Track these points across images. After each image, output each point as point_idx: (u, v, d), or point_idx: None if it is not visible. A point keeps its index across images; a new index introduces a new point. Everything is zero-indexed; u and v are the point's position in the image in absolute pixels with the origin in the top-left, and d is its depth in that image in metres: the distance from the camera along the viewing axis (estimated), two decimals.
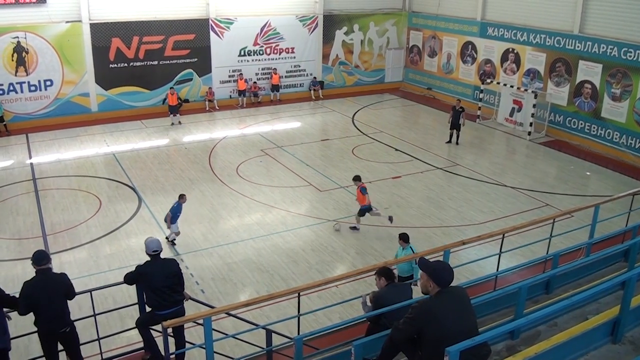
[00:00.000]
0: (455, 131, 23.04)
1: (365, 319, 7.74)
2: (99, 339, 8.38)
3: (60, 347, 7.80)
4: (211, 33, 27.98)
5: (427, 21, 31.67)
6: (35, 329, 7.63)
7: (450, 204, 17.44)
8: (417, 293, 7.55)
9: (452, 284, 5.28)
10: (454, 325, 5.02)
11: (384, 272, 7.58)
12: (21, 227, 15.78)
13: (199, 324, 8.25)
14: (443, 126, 24.53)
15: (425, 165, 20.71)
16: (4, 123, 24.46)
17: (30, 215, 16.47)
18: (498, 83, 26.50)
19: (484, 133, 25.24)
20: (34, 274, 7.51)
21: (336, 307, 11.21)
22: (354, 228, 15.45)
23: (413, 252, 11.00)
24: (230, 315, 9.20)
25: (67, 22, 25.10)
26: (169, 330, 7.30)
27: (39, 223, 15.93)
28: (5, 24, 23.98)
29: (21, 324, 8.29)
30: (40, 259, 7.51)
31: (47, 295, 7.38)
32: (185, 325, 8.69)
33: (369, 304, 7.58)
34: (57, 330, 7.47)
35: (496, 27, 27.17)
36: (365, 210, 15.27)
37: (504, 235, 10.58)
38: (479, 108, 26.81)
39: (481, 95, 27.18)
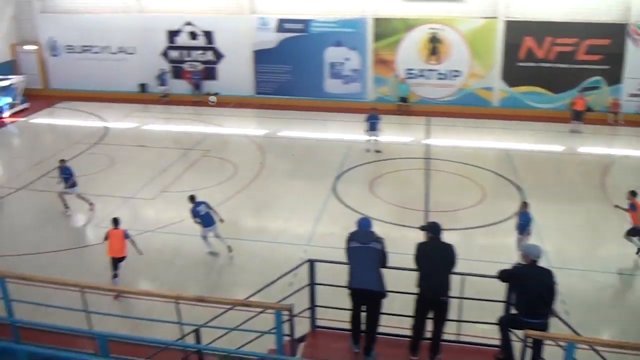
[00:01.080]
0: None
1: None
2: (459, 321, 8.64)
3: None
4: (628, 40, 25.55)
5: None
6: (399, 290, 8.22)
7: None
8: None
9: None
10: None
11: None
12: (408, 198, 17.34)
13: (559, 345, 7.82)
14: None
15: None
16: (407, 103, 26.89)
17: (417, 190, 17.92)
18: None
19: None
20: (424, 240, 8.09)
21: None
22: None
23: None
24: (594, 350, 8.43)
25: (483, 17, 25.99)
26: (529, 340, 7.10)
27: (424, 198, 17.18)
28: (425, 16, 26.35)
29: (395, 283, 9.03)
30: (434, 228, 8.08)
31: (434, 260, 7.84)
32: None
33: None
34: (437, 296, 7.83)
35: None
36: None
37: None
38: None
39: None
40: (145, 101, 29.44)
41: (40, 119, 27.35)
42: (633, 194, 14.11)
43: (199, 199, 14.25)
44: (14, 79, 28.40)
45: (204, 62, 29.51)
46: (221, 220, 14.28)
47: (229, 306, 8.54)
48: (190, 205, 14.09)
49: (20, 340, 8.04)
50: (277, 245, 14.80)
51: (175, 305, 7.97)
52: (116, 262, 12.81)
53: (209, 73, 29.58)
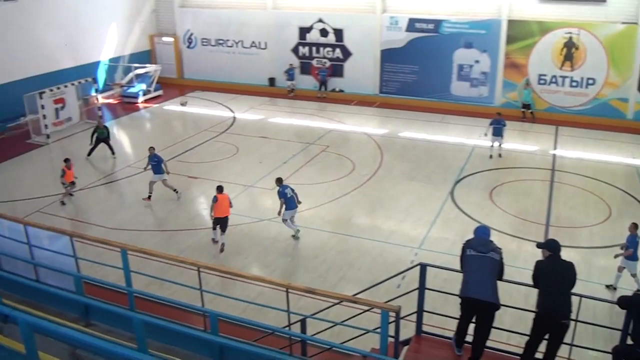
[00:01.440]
0: None
1: None
2: (571, 345, 8.25)
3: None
4: None
5: None
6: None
7: None
8: None
9: None
10: None
11: None
12: (528, 210, 16.70)
13: None
14: None
15: None
16: (531, 110, 25.79)
17: (539, 202, 17.21)
18: None
19: None
20: (542, 258, 7.71)
21: None
22: None
23: None
24: None
25: (623, 23, 24.36)
26: None
27: (545, 211, 16.49)
28: (562, 19, 25.14)
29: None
30: (553, 246, 7.68)
31: (555, 280, 7.45)
32: None
33: None
34: (558, 318, 7.38)
35: None
36: None
37: None
38: None
39: None
40: (274, 95, 30.47)
41: (172, 106, 29.04)
42: None
43: (285, 182, 15.33)
44: (150, 68, 30.56)
45: (331, 59, 30.07)
46: (299, 202, 15.19)
47: (336, 301, 8.68)
48: (277, 188, 15.09)
49: (135, 308, 8.71)
50: (388, 246, 14.85)
51: (285, 293, 8.25)
52: (220, 222, 14.56)
53: (336, 70, 30.09)
